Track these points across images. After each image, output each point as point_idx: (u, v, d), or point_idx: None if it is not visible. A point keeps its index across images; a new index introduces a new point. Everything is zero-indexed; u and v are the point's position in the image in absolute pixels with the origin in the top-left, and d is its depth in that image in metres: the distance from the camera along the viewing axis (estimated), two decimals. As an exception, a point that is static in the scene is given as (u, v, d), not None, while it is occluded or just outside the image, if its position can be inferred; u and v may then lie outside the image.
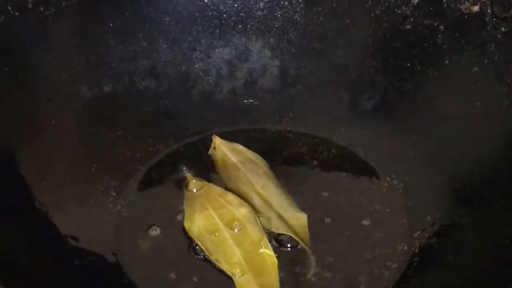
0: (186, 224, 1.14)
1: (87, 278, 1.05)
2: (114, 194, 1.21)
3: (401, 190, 1.22)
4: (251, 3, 1.35)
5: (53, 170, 1.14)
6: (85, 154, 1.22)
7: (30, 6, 1.15)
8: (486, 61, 1.16)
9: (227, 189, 1.22)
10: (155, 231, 1.14)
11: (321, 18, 1.33)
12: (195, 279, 1.08)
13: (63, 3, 1.19)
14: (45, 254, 1.02)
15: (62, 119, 1.20)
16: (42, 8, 1.16)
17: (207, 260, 1.09)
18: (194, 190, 1.20)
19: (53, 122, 1.19)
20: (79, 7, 1.21)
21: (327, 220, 1.17)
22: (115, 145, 1.26)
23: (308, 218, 1.15)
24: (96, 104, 1.27)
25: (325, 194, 1.23)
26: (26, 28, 1.15)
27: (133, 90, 1.33)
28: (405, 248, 1.12)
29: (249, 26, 1.37)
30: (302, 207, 1.18)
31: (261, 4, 1.35)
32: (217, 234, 1.11)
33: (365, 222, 1.17)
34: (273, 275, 1.05)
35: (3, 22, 1.10)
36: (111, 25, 1.27)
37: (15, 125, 1.12)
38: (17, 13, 1.13)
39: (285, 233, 1.13)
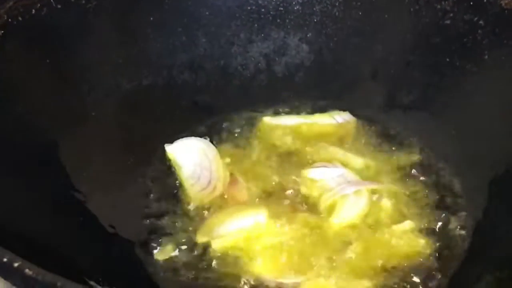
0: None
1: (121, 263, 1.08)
2: (150, 184, 1.23)
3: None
4: (290, -3, 1.36)
5: (92, 160, 1.16)
6: (123, 145, 1.24)
7: (72, -1, 1.17)
8: (526, 57, 1.15)
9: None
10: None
11: (360, 13, 1.33)
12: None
13: (105, -4, 1.21)
14: (83, 241, 1.04)
15: (102, 111, 1.22)
16: (83, 1, 1.18)
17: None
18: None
19: (93, 114, 1.21)
20: (120, 1, 1.23)
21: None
22: (153, 137, 1.27)
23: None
24: (135, 97, 1.29)
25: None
26: (68, 21, 1.16)
27: (171, 84, 1.34)
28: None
29: (287, 21, 1.37)
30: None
31: (300, -2, 1.35)
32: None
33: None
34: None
35: (46, 14, 1.12)
36: (151, 19, 1.29)
37: (57, 116, 1.13)
38: (59, 6, 1.15)
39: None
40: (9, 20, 1.07)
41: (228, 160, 1.25)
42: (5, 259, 0.72)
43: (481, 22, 1.19)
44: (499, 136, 1.15)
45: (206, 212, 1.18)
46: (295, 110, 1.39)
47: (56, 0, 1.14)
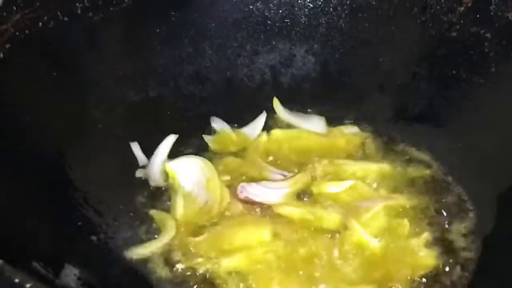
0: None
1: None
2: (153, 199, 1.22)
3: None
4: (296, 9, 1.35)
5: (100, 174, 1.16)
6: (129, 158, 1.25)
7: (79, 11, 1.17)
8: (534, 69, 1.14)
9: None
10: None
11: (366, 25, 1.33)
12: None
13: (111, 9, 1.21)
14: (90, 258, 1.04)
15: (109, 123, 1.22)
16: (90, 14, 1.18)
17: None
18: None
19: (100, 126, 1.21)
20: (127, 13, 1.22)
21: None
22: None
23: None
24: (142, 109, 1.29)
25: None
26: (75, 33, 1.17)
27: (178, 95, 1.35)
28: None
29: (293, 32, 1.38)
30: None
31: (306, 10, 1.35)
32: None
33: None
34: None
35: (52, 27, 1.12)
36: (158, 30, 1.29)
37: (64, 129, 1.14)
38: (66, 19, 1.15)
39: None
40: (16, 33, 1.07)
41: (228, 177, 1.24)
42: (16, 280, 0.71)
43: (488, 34, 1.19)
44: (506, 149, 1.15)
45: (204, 229, 1.16)
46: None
47: (63, 13, 1.14)
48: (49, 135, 1.11)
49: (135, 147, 1.26)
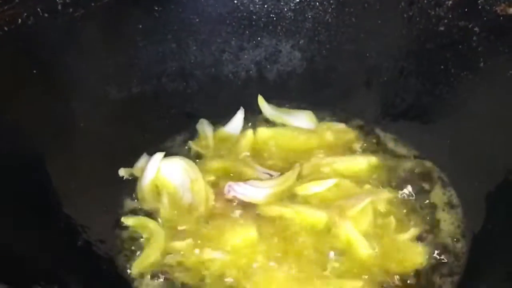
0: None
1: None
2: (137, 200, 1.20)
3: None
4: (282, 4, 1.34)
5: (81, 173, 1.14)
6: (111, 156, 1.22)
7: (59, 7, 1.14)
8: (522, 63, 1.13)
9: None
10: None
11: (353, 19, 1.32)
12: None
13: (92, 5, 1.19)
14: (69, 257, 1.02)
15: (91, 121, 1.20)
16: (71, 10, 1.16)
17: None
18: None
19: (82, 125, 1.19)
20: (108, 9, 1.20)
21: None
22: (144, 148, 1.26)
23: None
24: (125, 106, 1.27)
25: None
26: (55, 30, 1.14)
27: (162, 92, 1.33)
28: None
29: (279, 28, 1.36)
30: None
31: (292, 5, 1.33)
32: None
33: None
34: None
35: (32, 24, 1.10)
36: (140, 26, 1.27)
37: (45, 127, 1.11)
38: (46, 15, 1.12)
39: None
40: (-5, 30, 1.05)
41: (213, 177, 1.22)
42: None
43: (476, 28, 1.17)
44: (495, 146, 1.14)
45: (190, 231, 1.14)
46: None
47: (43, 9, 1.12)
48: (29, 134, 1.09)
49: (143, 159, 1.24)
